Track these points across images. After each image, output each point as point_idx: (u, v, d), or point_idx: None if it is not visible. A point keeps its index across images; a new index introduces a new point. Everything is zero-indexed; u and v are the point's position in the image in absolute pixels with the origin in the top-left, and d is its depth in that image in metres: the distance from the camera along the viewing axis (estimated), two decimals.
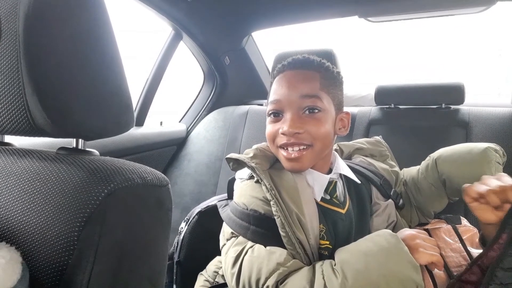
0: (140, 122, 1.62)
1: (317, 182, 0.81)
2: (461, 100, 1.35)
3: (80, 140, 0.56)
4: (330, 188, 0.83)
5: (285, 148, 0.78)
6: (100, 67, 0.50)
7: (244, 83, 1.96)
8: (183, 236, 1.03)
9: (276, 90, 0.80)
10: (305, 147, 0.77)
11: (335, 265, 0.67)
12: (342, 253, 0.69)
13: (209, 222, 0.95)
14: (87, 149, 0.56)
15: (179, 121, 1.93)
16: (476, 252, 0.95)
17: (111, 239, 0.44)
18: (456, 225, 0.99)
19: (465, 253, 0.94)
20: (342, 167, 0.87)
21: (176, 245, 1.05)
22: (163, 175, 0.53)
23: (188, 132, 1.87)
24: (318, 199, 0.80)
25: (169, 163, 1.80)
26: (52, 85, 0.46)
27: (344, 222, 0.81)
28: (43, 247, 0.44)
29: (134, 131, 1.55)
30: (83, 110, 0.48)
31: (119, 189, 0.45)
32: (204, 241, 1.00)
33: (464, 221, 1.02)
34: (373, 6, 1.45)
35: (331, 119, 0.80)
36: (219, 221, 0.85)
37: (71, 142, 0.57)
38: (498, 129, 1.25)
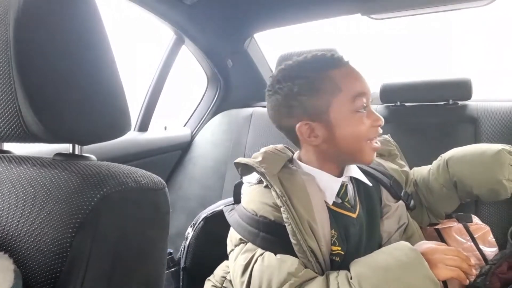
0: (144, 127, 1.61)
1: (329, 185, 0.79)
2: (468, 96, 1.32)
3: (76, 145, 0.55)
4: (342, 191, 0.81)
5: (372, 140, 0.79)
6: (94, 71, 0.50)
7: (248, 85, 1.94)
8: (189, 242, 1.02)
9: (358, 82, 0.77)
10: None
11: (351, 278, 0.65)
12: (358, 266, 0.67)
13: (216, 227, 0.94)
14: (84, 154, 0.56)
15: (184, 125, 1.92)
16: (488, 250, 0.93)
17: (105, 245, 0.44)
18: (468, 224, 0.97)
19: (477, 252, 0.93)
20: (353, 169, 0.85)
21: (182, 250, 1.04)
22: (159, 178, 0.52)
23: (192, 136, 1.86)
24: (330, 203, 0.78)
25: (174, 167, 1.79)
26: (44, 90, 0.46)
27: (355, 227, 0.79)
28: (37, 254, 0.43)
29: (138, 137, 1.55)
30: (77, 115, 0.48)
31: (112, 193, 0.45)
32: (210, 246, 0.99)
33: (476, 219, 1.00)
34: (375, 3, 1.44)
35: None
36: (226, 226, 0.84)
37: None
38: (508, 124, 1.22)
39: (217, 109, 1.90)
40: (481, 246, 0.93)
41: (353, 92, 0.75)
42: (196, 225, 1.04)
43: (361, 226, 0.81)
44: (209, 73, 1.91)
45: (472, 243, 0.94)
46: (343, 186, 0.82)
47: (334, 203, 0.79)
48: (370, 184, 0.86)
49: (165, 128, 1.76)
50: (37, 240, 0.44)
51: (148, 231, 0.49)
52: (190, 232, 1.04)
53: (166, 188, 0.53)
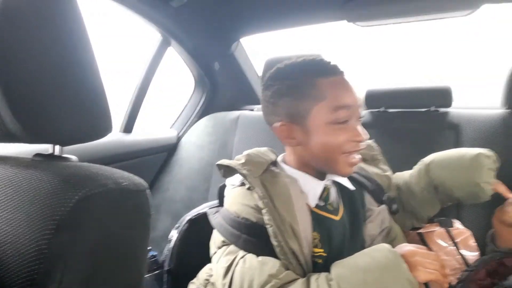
0: (128, 129, 1.59)
1: (312, 188, 0.80)
2: (448, 103, 1.35)
3: (56, 146, 0.54)
4: (324, 194, 0.82)
5: (349, 154, 0.77)
6: (74, 71, 0.49)
7: (235, 88, 1.94)
8: (174, 244, 1.01)
9: (345, 94, 0.76)
10: None
11: (331, 280, 0.66)
12: (338, 268, 0.68)
13: (200, 229, 0.93)
14: (64, 155, 0.54)
15: (170, 127, 1.91)
16: (470, 254, 0.94)
17: (83, 247, 0.43)
18: (449, 228, 0.99)
19: (459, 256, 0.94)
20: None
21: (166, 253, 1.03)
22: (141, 180, 0.52)
23: (179, 138, 1.85)
24: (313, 205, 0.79)
25: (160, 169, 1.77)
26: (22, 89, 0.45)
27: (338, 229, 0.80)
28: (13, 256, 0.42)
29: (124, 138, 1.52)
30: (56, 115, 0.47)
31: (91, 195, 0.44)
32: (194, 249, 0.98)
33: (457, 223, 1.02)
34: (361, 11, 1.45)
35: None
36: (210, 229, 0.83)
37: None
38: (489, 131, 1.25)
39: (204, 112, 1.89)
40: (462, 251, 0.95)
41: (336, 103, 0.75)
42: (180, 228, 1.03)
43: (344, 229, 0.81)
44: (196, 75, 1.90)
45: (454, 247, 0.95)
46: (325, 189, 0.82)
47: (317, 206, 0.80)
48: (352, 188, 0.86)
49: (150, 129, 1.74)
50: (14, 242, 0.42)
51: (129, 233, 0.48)
52: (174, 235, 1.03)
53: (148, 190, 0.52)
